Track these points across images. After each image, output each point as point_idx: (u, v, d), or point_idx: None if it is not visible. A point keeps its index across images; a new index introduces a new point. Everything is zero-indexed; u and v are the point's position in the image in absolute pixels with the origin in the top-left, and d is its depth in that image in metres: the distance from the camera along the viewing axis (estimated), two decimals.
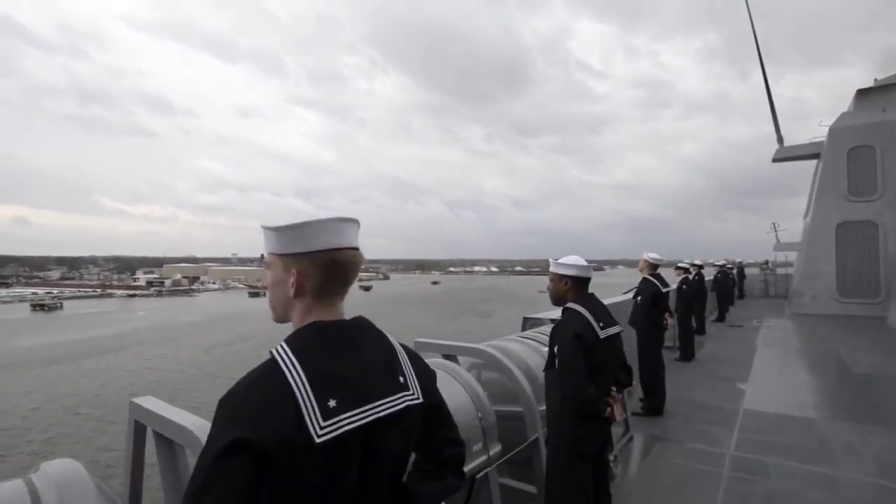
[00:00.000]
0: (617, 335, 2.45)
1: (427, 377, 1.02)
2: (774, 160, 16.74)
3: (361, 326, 0.95)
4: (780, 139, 16.74)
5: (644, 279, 5.34)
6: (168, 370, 27.09)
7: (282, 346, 0.85)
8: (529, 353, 3.19)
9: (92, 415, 18.68)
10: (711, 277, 12.34)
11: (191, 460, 1.40)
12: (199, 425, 1.34)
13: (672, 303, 6.64)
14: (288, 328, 0.93)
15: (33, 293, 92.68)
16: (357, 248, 0.95)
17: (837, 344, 8.62)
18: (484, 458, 2.32)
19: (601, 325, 2.32)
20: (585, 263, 2.42)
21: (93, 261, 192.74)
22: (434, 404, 1.02)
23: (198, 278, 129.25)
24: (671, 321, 5.66)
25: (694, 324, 8.35)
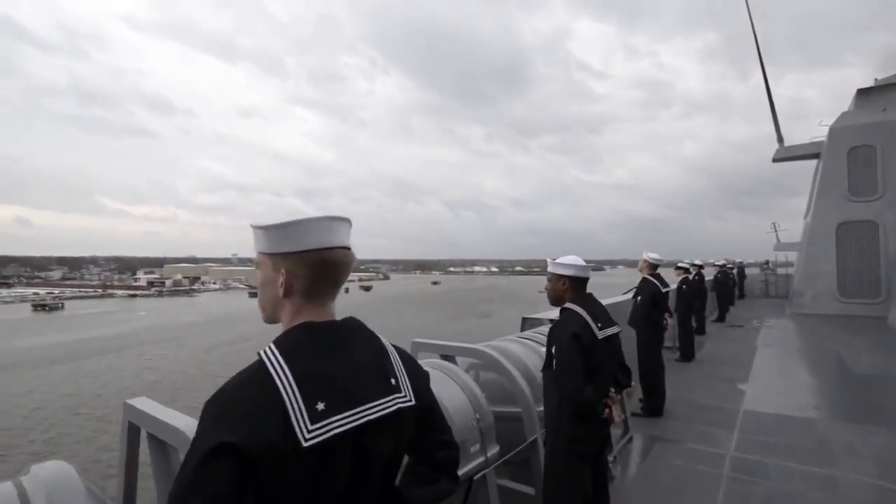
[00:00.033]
0: (615, 335, 2.44)
1: (419, 379, 1.00)
2: (775, 160, 16.73)
3: (352, 327, 0.94)
4: (780, 139, 16.73)
5: (644, 279, 5.33)
6: (169, 370, 27.12)
7: (270, 348, 0.84)
8: (528, 353, 3.18)
9: (93, 415, 18.70)
10: (711, 277, 12.32)
11: None
12: (192, 427, 1.33)
13: (672, 303, 6.63)
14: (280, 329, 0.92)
15: (34, 293, 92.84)
16: (348, 248, 0.93)
17: (838, 344, 8.60)
18: (482, 459, 2.30)
19: (599, 325, 2.30)
20: (583, 263, 2.41)
21: (94, 261, 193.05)
22: (427, 406, 1.00)
23: (198, 278, 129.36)
24: (671, 321, 5.64)
25: (694, 324, 8.34)
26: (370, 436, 0.84)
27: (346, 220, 0.92)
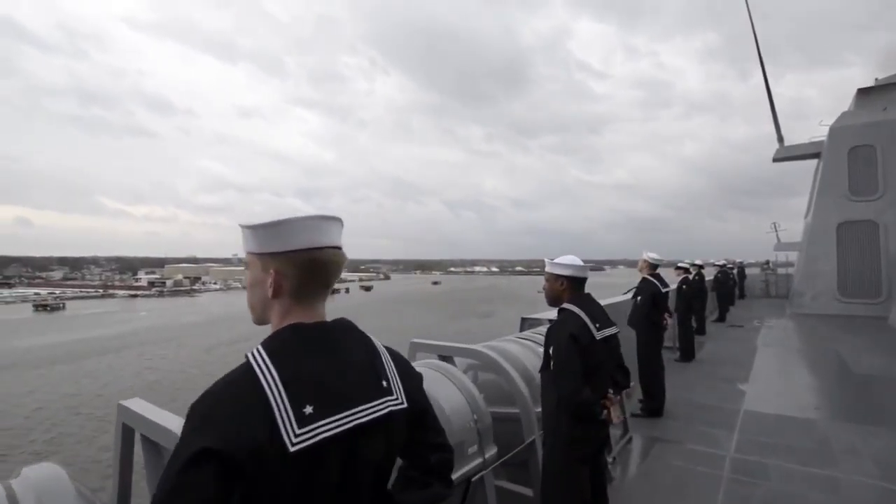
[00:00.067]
0: (614, 336, 2.42)
1: (412, 381, 0.98)
2: (775, 160, 16.71)
3: (343, 328, 0.92)
4: (780, 139, 16.71)
5: (643, 279, 5.31)
6: (169, 370, 27.15)
7: (257, 349, 0.82)
8: (527, 353, 3.16)
9: (93, 415, 18.71)
10: (712, 277, 12.31)
11: None
12: None
13: (672, 303, 6.61)
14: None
15: (36, 293, 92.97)
16: (339, 248, 0.91)
17: (838, 344, 8.58)
18: (479, 460, 2.29)
19: (597, 325, 2.29)
20: (581, 263, 2.39)
21: (94, 261, 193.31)
22: (420, 409, 0.98)
23: (199, 279, 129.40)
24: (670, 321, 5.62)
25: (694, 324, 8.33)
26: (361, 440, 0.82)
27: (337, 220, 0.91)
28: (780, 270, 18.41)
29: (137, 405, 1.53)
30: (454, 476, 2.12)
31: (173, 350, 33.84)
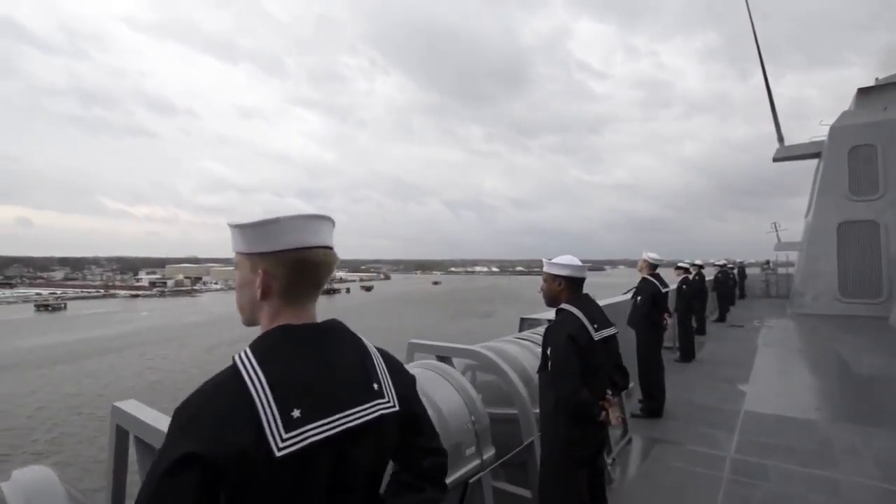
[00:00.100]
0: (612, 337, 2.41)
1: (405, 384, 0.96)
2: (775, 159, 16.69)
3: (333, 330, 0.89)
4: (780, 138, 16.70)
5: (643, 279, 5.29)
6: (171, 370, 27.18)
7: (245, 351, 0.80)
8: (525, 354, 3.15)
9: (95, 415, 18.73)
10: (712, 277, 12.30)
11: None
12: None
13: (672, 303, 6.60)
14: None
15: (37, 294, 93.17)
16: (330, 248, 0.89)
17: (839, 344, 8.56)
18: (477, 462, 2.28)
19: (595, 326, 2.27)
20: (580, 263, 2.37)
21: (95, 261, 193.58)
22: (412, 412, 0.96)
23: (200, 279, 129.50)
24: (670, 321, 5.60)
25: (694, 324, 8.31)
26: (351, 444, 0.80)
27: (328, 219, 0.89)
28: (781, 270, 18.38)
29: (132, 407, 1.52)
30: (451, 478, 2.11)
31: (175, 350, 33.89)
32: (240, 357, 0.80)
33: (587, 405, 2.14)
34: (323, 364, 0.83)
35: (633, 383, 4.97)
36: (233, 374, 0.78)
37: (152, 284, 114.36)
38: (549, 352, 2.25)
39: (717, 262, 12.97)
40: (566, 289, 2.37)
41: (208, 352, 32.13)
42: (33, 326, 51.68)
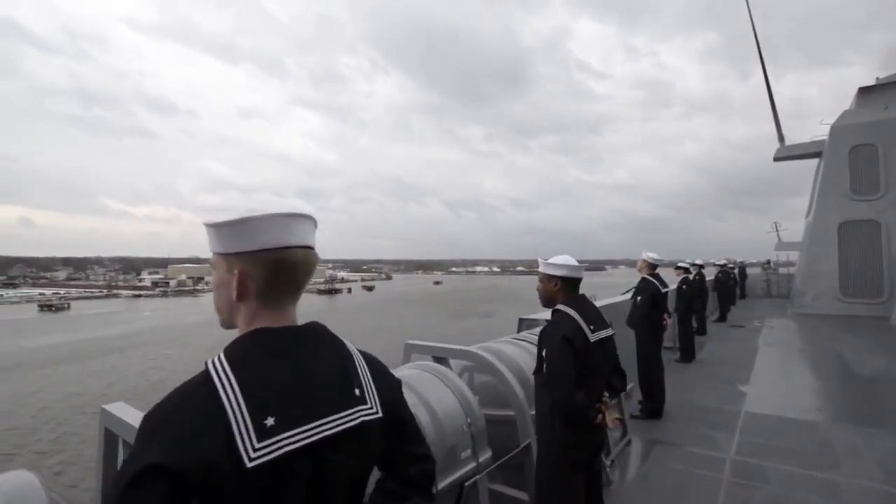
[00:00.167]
0: (609, 338, 2.38)
1: (390, 389, 0.93)
2: (776, 159, 16.64)
3: (313, 333, 0.86)
4: (781, 138, 16.65)
5: (643, 279, 5.27)
6: (173, 370, 27.18)
7: (218, 357, 0.77)
8: (522, 355, 3.12)
9: (98, 414, 18.78)
10: (712, 277, 12.26)
11: None
12: None
13: (672, 303, 6.56)
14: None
15: (40, 294, 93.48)
16: (311, 248, 0.86)
17: (840, 345, 8.52)
18: (473, 464, 2.26)
19: (592, 327, 2.24)
20: (576, 263, 2.34)
21: (98, 261, 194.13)
22: (397, 418, 0.93)
23: (202, 278, 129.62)
24: (670, 321, 5.58)
25: (695, 324, 8.28)
26: (330, 452, 0.77)
27: (309, 218, 0.86)
28: (782, 270, 18.34)
29: (120, 410, 1.50)
30: (447, 481, 2.09)
31: (177, 350, 33.92)
32: (212, 362, 0.76)
33: (583, 408, 2.11)
34: (301, 369, 0.79)
35: (633, 384, 4.94)
36: (204, 380, 0.74)
37: (155, 284, 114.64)
38: (544, 353, 2.23)
39: (717, 262, 12.94)
40: (562, 289, 2.33)
41: (210, 351, 31.53)
42: (37, 326, 51.83)
